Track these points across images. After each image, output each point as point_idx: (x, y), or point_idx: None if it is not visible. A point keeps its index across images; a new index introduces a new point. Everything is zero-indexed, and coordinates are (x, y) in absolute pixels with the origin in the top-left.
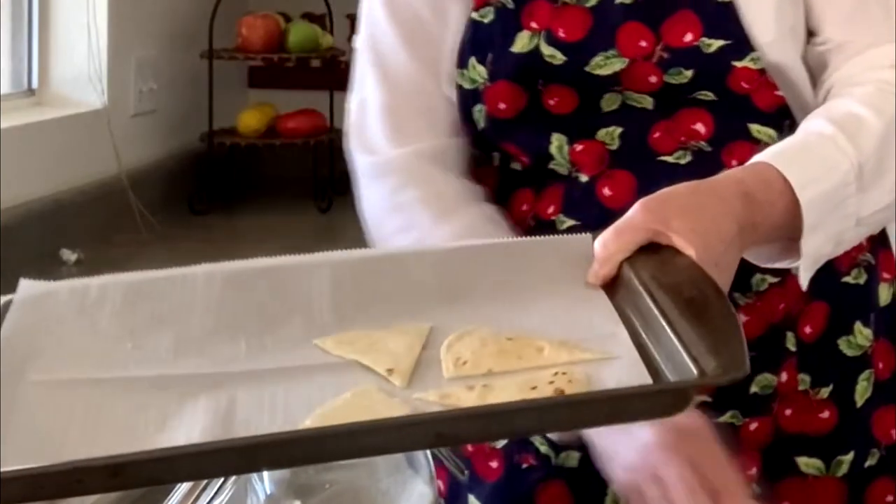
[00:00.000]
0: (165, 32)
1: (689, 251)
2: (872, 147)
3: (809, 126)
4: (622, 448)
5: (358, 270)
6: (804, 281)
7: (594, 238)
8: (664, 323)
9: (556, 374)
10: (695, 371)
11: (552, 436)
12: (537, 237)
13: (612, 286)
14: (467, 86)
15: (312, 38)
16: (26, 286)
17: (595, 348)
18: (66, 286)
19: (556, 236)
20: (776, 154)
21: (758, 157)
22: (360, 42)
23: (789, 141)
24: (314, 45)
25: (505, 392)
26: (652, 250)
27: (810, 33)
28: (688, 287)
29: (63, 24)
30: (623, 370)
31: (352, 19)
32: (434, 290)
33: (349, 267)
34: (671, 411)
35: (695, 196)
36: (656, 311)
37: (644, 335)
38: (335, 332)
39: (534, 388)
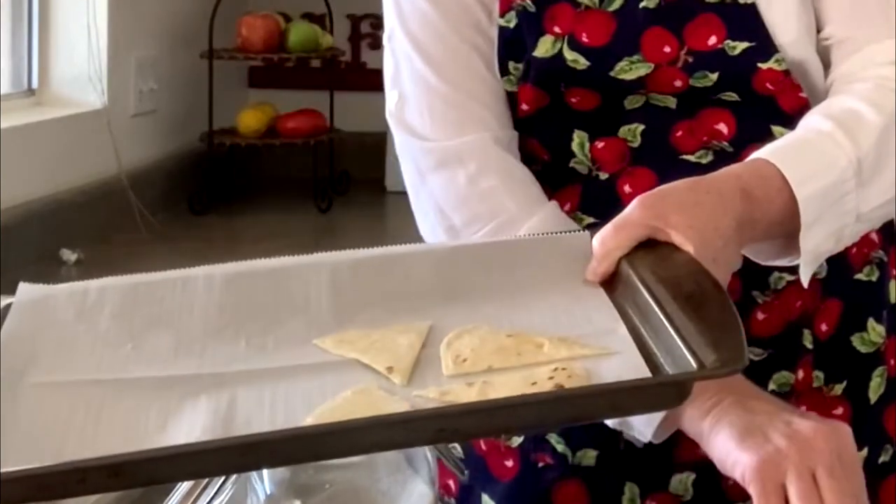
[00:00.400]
0: (165, 32)
1: (687, 247)
2: (871, 142)
3: (808, 123)
4: (743, 454)
5: (357, 270)
6: (805, 278)
7: (593, 235)
8: (663, 317)
9: (555, 369)
10: (694, 364)
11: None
12: (536, 236)
13: (611, 283)
14: (509, 89)
15: (312, 38)
16: (25, 290)
17: (594, 344)
18: (65, 289)
19: (554, 234)
20: (774, 151)
21: (756, 154)
22: (391, 33)
23: (788, 138)
24: (314, 45)
25: (505, 388)
26: (650, 246)
27: (818, 29)
28: (686, 282)
29: (63, 24)
30: (622, 365)
31: (352, 19)
32: (434, 288)
33: (349, 266)
34: (670, 404)
35: (692, 192)
36: (655, 307)
37: (643, 330)
38: (335, 331)
39: (533, 383)
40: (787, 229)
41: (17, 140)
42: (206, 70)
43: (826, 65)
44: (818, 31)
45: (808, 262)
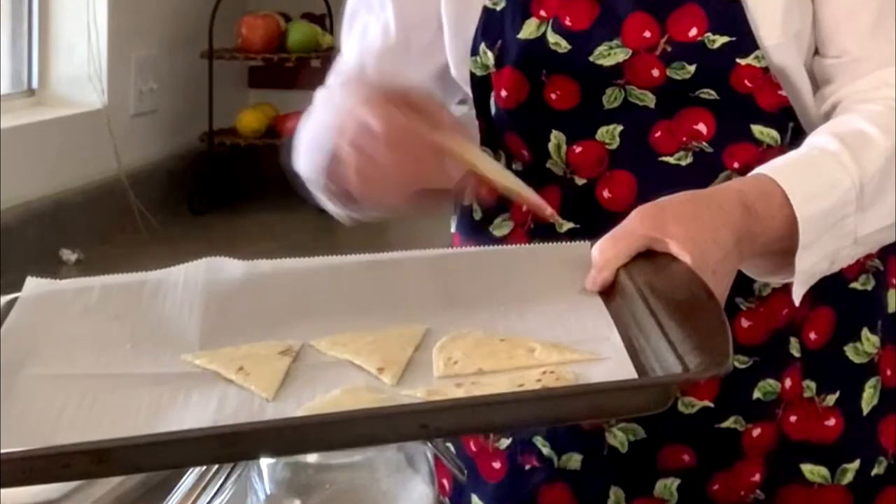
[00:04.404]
0: (165, 32)
1: (685, 258)
2: (876, 167)
3: (814, 141)
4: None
5: (356, 274)
6: (797, 297)
7: (593, 244)
8: (654, 324)
9: (544, 372)
10: (678, 367)
11: None
12: (537, 244)
13: (609, 292)
14: (479, 73)
15: (312, 38)
16: (32, 284)
17: (586, 350)
18: (71, 285)
19: (555, 243)
20: (778, 167)
21: (760, 170)
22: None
23: (792, 155)
24: (314, 45)
25: (492, 389)
26: (648, 257)
27: (819, 45)
28: (680, 290)
29: (63, 24)
30: (612, 370)
31: None
32: (432, 293)
33: (347, 270)
34: (652, 407)
35: (693, 204)
36: (648, 315)
37: (636, 338)
38: (332, 334)
39: (520, 385)
40: (785, 246)
41: (17, 140)
42: (206, 70)
43: (824, 81)
44: (822, 46)
45: (802, 282)
